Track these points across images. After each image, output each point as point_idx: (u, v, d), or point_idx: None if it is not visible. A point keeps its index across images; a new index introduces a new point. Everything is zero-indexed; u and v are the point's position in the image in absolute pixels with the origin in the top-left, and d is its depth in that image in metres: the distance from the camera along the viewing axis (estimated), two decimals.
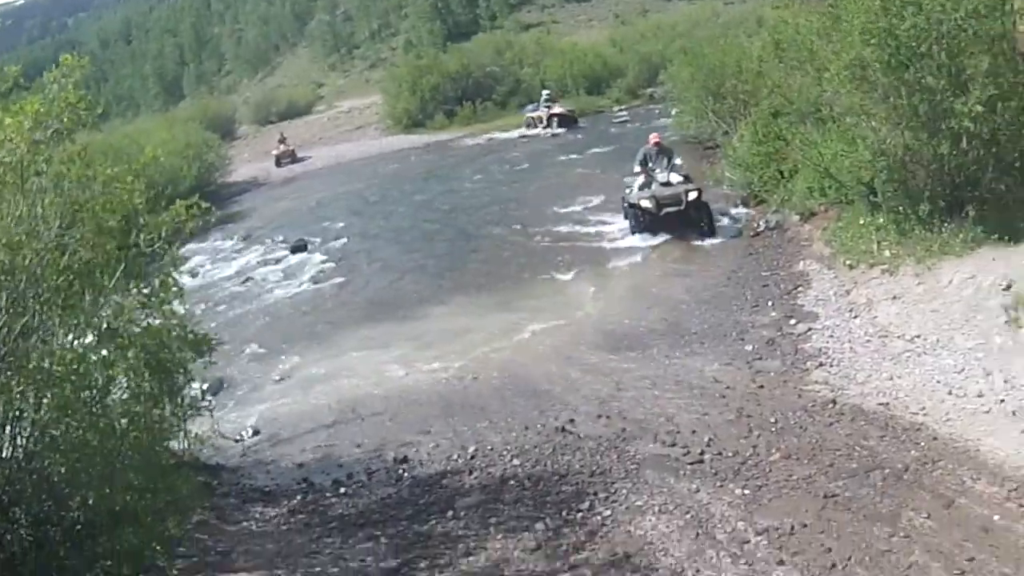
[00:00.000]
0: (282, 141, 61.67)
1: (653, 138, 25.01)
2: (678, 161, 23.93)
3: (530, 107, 55.47)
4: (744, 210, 24.53)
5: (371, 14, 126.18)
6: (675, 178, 23.18)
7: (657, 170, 23.48)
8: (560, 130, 50.95)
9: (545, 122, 52.17)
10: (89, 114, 9.61)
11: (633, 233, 23.84)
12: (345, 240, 31.78)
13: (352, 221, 35.69)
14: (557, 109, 52.63)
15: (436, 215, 34.03)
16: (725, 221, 23.85)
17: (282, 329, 22.39)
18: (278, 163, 59.00)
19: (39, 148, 9.02)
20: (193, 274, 15.67)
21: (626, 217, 24.61)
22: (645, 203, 23.08)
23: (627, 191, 24.55)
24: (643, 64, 63.14)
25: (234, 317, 24.22)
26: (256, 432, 15.60)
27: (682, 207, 22.64)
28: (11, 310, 8.51)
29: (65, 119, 9.27)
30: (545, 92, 55.97)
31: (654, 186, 23.18)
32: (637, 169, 23.91)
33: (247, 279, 28.79)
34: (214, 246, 34.48)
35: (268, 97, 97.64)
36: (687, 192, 22.68)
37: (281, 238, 33.87)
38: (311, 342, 20.58)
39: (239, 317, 24.28)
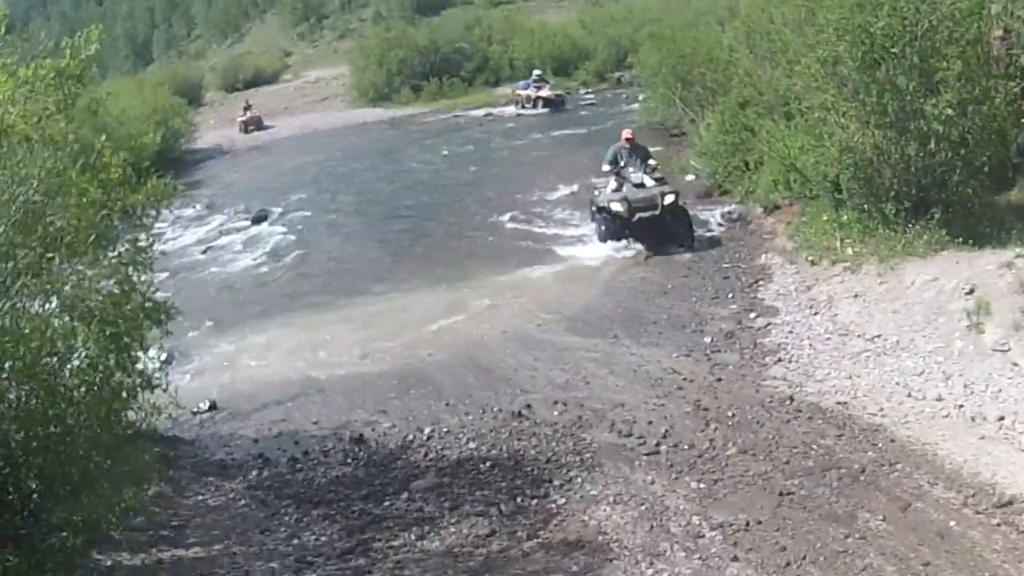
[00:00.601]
0: (247, 108, 61.18)
1: (625, 134, 22.46)
2: (653, 161, 21.97)
3: (521, 84, 55.06)
4: (720, 211, 22.99)
5: None
6: (649, 180, 21.18)
7: (630, 170, 21.48)
8: (543, 110, 50.70)
9: (532, 103, 51.82)
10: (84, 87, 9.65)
11: (602, 240, 21.77)
12: (306, 213, 31.70)
13: (314, 193, 35.66)
14: (545, 92, 52.00)
15: (399, 192, 33.94)
16: (702, 231, 21.72)
17: (241, 301, 22.34)
18: (244, 129, 58.72)
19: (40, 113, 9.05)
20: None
21: (594, 221, 22.63)
22: (616, 207, 20.96)
23: (596, 193, 22.66)
24: (612, 47, 62.77)
25: (193, 286, 24.03)
26: (213, 405, 15.54)
27: (657, 212, 20.65)
28: None
29: (67, 89, 9.26)
30: (536, 72, 55.26)
31: (626, 188, 21.16)
32: (607, 168, 21.92)
33: (207, 248, 28.72)
34: (176, 213, 33.95)
35: (236, 64, 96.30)
36: (663, 195, 20.69)
37: (243, 207, 33.67)
38: (269, 315, 20.54)
39: (198, 287, 24.13)
